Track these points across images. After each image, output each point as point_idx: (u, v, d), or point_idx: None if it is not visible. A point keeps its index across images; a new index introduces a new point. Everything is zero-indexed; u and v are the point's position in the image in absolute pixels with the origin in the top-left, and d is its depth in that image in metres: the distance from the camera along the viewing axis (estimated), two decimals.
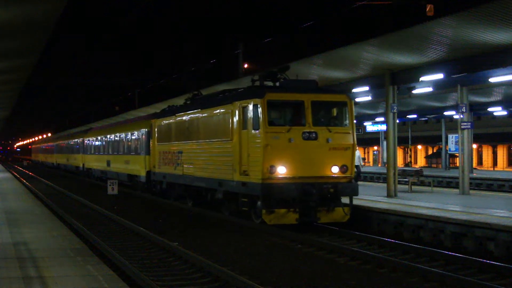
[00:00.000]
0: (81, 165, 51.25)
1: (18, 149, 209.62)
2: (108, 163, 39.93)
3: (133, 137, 33.35)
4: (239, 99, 18.17)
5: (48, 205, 24.55)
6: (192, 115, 22.55)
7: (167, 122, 25.76)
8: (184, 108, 23.95)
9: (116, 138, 38.34)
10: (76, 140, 55.22)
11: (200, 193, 22.15)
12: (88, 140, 48.32)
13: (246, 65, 38.16)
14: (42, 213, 19.69)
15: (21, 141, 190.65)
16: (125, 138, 35.67)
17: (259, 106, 16.96)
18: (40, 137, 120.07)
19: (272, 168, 16.67)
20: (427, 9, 24.37)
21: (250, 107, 17.36)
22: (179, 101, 38.79)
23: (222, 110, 19.38)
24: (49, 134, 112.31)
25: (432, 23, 17.06)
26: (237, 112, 18.12)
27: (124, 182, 35.31)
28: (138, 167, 31.68)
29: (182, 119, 23.57)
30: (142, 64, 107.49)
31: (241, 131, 17.80)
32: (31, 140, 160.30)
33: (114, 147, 38.59)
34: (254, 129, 17.15)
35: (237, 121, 18.12)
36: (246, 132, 17.55)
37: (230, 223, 19.02)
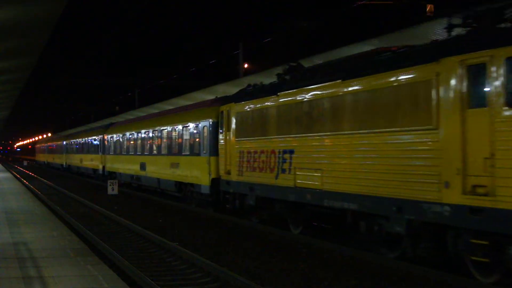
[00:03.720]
0: (100, 168, 42.64)
1: (18, 149, 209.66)
2: (143, 166, 31.36)
3: (187, 132, 24.97)
4: (461, 52, 10.71)
5: (48, 205, 24.55)
6: (322, 92, 14.58)
7: (256, 107, 18.09)
8: (299, 83, 15.95)
9: (155, 134, 29.75)
10: (93, 137, 45.94)
11: (329, 217, 15.26)
12: (111, 137, 39.74)
13: (246, 65, 38.15)
14: (42, 213, 19.70)
15: (21, 141, 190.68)
16: (171, 133, 27.25)
17: None
18: (44, 136, 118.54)
19: None
20: (427, 9, 24.38)
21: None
22: (180, 101, 38.86)
23: (411, 76, 11.86)
24: (50, 133, 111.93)
25: (432, 23, 17.07)
26: (456, 75, 10.73)
27: (169, 191, 28.11)
28: (196, 172, 23.34)
29: (294, 99, 15.87)
30: (142, 64, 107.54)
31: (466, 110, 10.54)
32: (31, 139, 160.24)
33: (153, 145, 29.95)
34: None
35: (455, 92, 10.74)
36: (482, 113, 10.21)
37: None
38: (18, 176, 51.01)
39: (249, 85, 20.17)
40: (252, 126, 18.37)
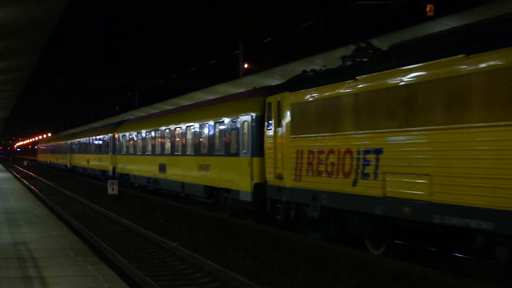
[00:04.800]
0: (110, 169, 38.98)
1: (18, 149, 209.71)
2: (162, 168, 27.70)
3: (221, 128, 21.22)
4: None
5: (48, 205, 24.55)
6: (432, 72, 11.16)
7: (322, 96, 14.58)
8: (391, 62, 12.39)
9: (179, 131, 25.91)
10: (102, 136, 42.37)
11: (433, 236, 12.29)
12: (123, 135, 36.19)
13: (246, 65, 38.15)
14: (42, 213, 19.70)
15: (21, 141, 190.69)
16: (200, 130, 23.34)
17: None
18: (44, 135, 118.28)
19: None
20: (427, 9, 24.39)
21: None
22: (180, 101, 38.85)
23: None
24: (51, 133, 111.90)
25: (432, 23, 17.07)
26: None
27: (196, 197, 24.74)
28: (233, 176, 19.79)
29: (384, 84, 12.38)
30: (142, 64, 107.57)
31: None
32: (32, 139, 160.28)
33: (176, 144, 26.29)
34: None
35: None
36: None
37: None
38: (18, 176, 51.02)
39: (304, 71, 16.74)
40: (315, 120, 14.76)
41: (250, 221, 18.89)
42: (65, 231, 15.34)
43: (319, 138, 14.64)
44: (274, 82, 23.57)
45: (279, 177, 16.43)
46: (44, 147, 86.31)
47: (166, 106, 40.86)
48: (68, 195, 31.04)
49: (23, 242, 13.31)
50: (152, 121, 31.11)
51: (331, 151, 14.09)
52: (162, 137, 28.20)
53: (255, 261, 12.67)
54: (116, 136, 37.68)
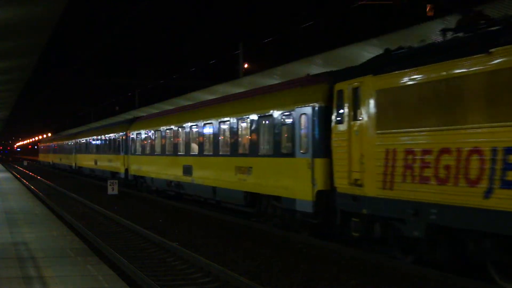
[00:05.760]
0: (122, 171, 35.71)
1: (18, 149, 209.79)
2: (188, 171, 24.15)
3: (268, 123, 17.73)
4: None
5: (48, 205, 24.55)
6: None
7: (427, 78, 11.33)
8: None
9: (210, 128, 22.16)
10: (112, 134, 39.08)
11: None
12: (138, 133, 32.77)
13: (246, 65, 38.18)
14: (42, 213, 19.70)
15: (21, 141, 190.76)
16: (238, 125, 19.70)
17: None
18: (44, 135, 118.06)
19: None
20: (427, 9, 24.39)
21: None
22: (181, 101, 38.82)
23: None
24: (51, 133, 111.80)
25: (432, 23, 17.08)
26: None
27: (233, 205, 20.70)
28: (286, 181, 16.39)
29: None
30: (142, 64, 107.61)
31: None
32: (32, 139, 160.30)
33: (205, 142, 22.65)
34: None
35: None
36: None
37: None
38: (19, 176, 51.04)
39: (388, 50, 13.47)
40: (418, 110, 11.52)
41: (305, 236, 15.59)
42: (65, 231, 15.34)
43: (424, 133, 11.30)
44: (274, 82, 23.48)
45: (356, 183, 13.24)
46: (47, 147, 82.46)
47: (166, 106, 40.68)
48: (68, 195, 31.04)
49: (23, 242, 13.32)
50: (174, 117, 27.46)
51: (445, 151, 10.76)
52: (187, 135, 24.55)
53: (255, 261, 12.67)
54: (129, 134, 34.32)
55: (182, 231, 17.28)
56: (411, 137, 11.68)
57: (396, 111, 12.14)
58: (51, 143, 77.37)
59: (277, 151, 17.02)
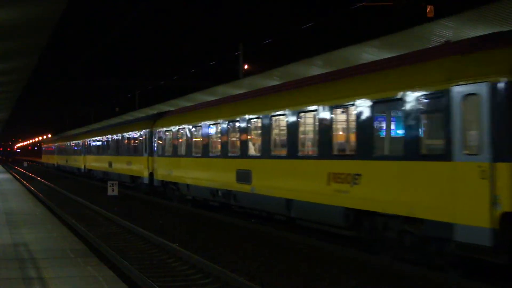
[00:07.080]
0: (145, 175, 30.43)
1: (18, 150, 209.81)
2: (244, 177, 18.79)
3: (382, 113, 13.14)
4: None
5: (48, 206, 24.54)
6: None
7: None
8: None
9: (277, 122, 17.48)
10: (132, 133, 33.51)
11: None
12: (167, 130, 27.22)
13: (246, 66, 38.20)
14: (42, 214, 19.69)
15: (21, 142, 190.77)
16: (327, 117, 14.63)
17: None
18: (45, 136, 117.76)
19: None
20: (427, 11, 24.41)
21: None
22: (181, 102, 38.78)
23: None
24: (51, 134, 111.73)
25: (432, 24, 17.09)
26: None
27: (319, 225, 15.46)
28: (426, 196, 11.42)
29: None
30: (143, 65, 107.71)
31: None
32: (32, 140, 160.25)
33: (271, 140, 17.64)
34: None
35: None
36: None
37: None
38: (18, 177, 51.04)
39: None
40: None
41: (455, 276, 11.01)
42: (65, 232, 15.33)
43: None
44: (274, 83, 23.45)
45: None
46: (51, 147, 75.16)
47: (166, 107, 40.36)
48: (68, 196, 31.02)
49: (23, 243, 13.30)
50: (222, 108, 21.78)
51: None
52: (244, 131, 19.09)
53: (255, 262, 12.65)
54: (154, 132, 29.01)
55: (182, 232, 17.24)
56: None
57: None
58: (56, 143, 70.87)
59: (411, 152, 11.87)
